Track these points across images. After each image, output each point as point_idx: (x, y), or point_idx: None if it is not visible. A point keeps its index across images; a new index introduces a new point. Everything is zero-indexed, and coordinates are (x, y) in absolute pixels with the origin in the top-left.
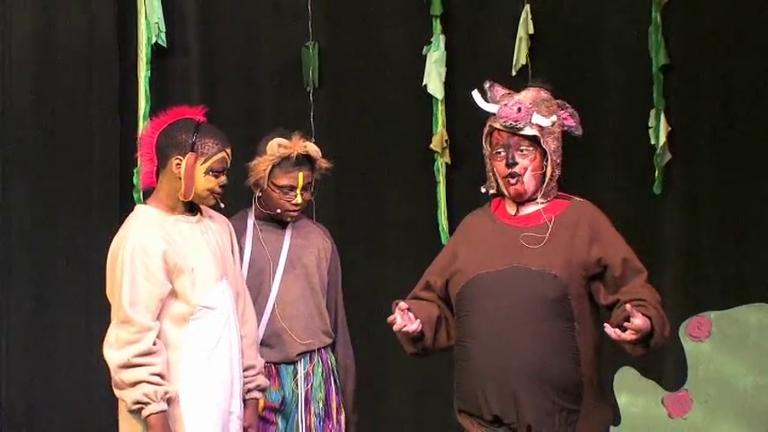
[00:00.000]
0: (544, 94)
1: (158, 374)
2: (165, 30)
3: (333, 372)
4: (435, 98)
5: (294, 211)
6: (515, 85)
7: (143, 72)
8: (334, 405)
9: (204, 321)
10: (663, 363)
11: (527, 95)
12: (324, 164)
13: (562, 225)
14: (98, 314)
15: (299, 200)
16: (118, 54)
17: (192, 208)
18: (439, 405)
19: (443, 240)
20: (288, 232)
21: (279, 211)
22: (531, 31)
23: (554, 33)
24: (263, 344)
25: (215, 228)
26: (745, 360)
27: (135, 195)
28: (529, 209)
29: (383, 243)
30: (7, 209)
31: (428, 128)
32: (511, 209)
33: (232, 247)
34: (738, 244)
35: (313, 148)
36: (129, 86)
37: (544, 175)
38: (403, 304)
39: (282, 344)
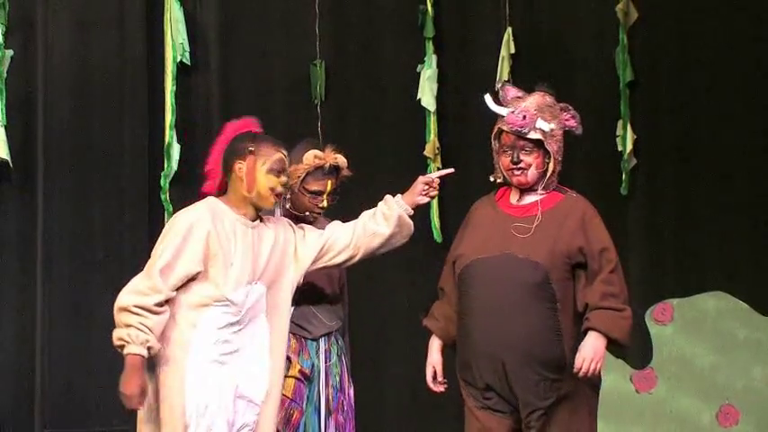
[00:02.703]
0: (548, 99)
1: (148, 327)
2: (188, 49)
3: (343, 351)
4: (428, 110)
5: (319, 213)
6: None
7: (169, 86)
8: (345, 380)
9: (223, 311)
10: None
11: (533, 101)
12: (347, 172)
13: (552, 217)
14: None
15: (324, 204)
16: (147, 71)
17: (255, 215)
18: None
19: (436, 237)
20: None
21: (306, 213)
22: (513, 51)
23: (533, 53)
24: (294, 323)
25: (269, 236)
26: (703, 342)
27: (162, 196)
28: (529, 198)
29: None
30: (49, 208)
31: (422, 137)
32: (513, 197)
33: (296, 241)
34: (696, 238)
35: (342, 160)
36: (157, 99)
37: (545, 171)
38: (439, 382)
39: (311, 325)
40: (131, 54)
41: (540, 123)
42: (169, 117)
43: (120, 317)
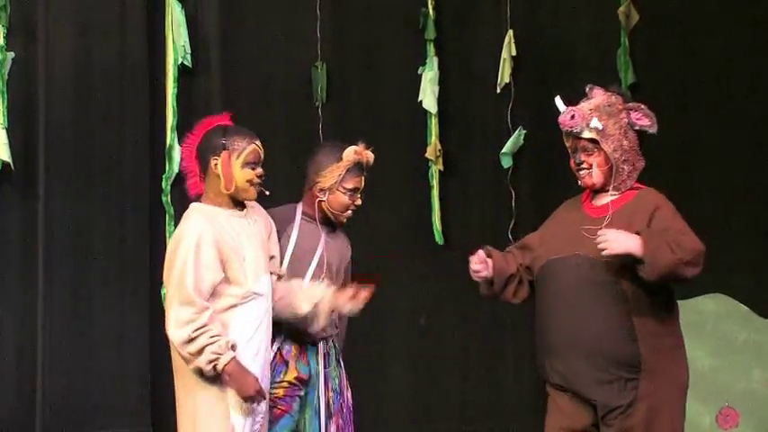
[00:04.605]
0: (612, 99)
1: (217, 334)
2: (190, 52)
3: (340, 355)
4: (429, 112)
5: (354, 210)
6: (499, 101)
7: (171, 89)
8: (344, 383)
9: (251, 306)
10: None
11: (592, 101)
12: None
13: (622, 215)
14: (129, 304)
15: (359, 201)
16: (148, 73)
17: (238, 204)
18: (433, 383)
19: (437, 239)
20: (323, 233)
21: (344, 210)
22: (514, 53)
23: (534, 55)
24: (294, 329)
25: (258, 221)
26: (703, 344)
27: (163, 198)
28: (604, 199)
29: (383, 241)
30: (50, 210)
31: (423, 139)
32: (593, 198)
33: (270, 239)
34: None
35: (372, 156)
36: (158, 102)
37: (611, 170)
38: (482, 253)
39: (311, 329)
40: (132, 56)
41: (594, 122)
42: (170, 119)
43: (187, 349)
